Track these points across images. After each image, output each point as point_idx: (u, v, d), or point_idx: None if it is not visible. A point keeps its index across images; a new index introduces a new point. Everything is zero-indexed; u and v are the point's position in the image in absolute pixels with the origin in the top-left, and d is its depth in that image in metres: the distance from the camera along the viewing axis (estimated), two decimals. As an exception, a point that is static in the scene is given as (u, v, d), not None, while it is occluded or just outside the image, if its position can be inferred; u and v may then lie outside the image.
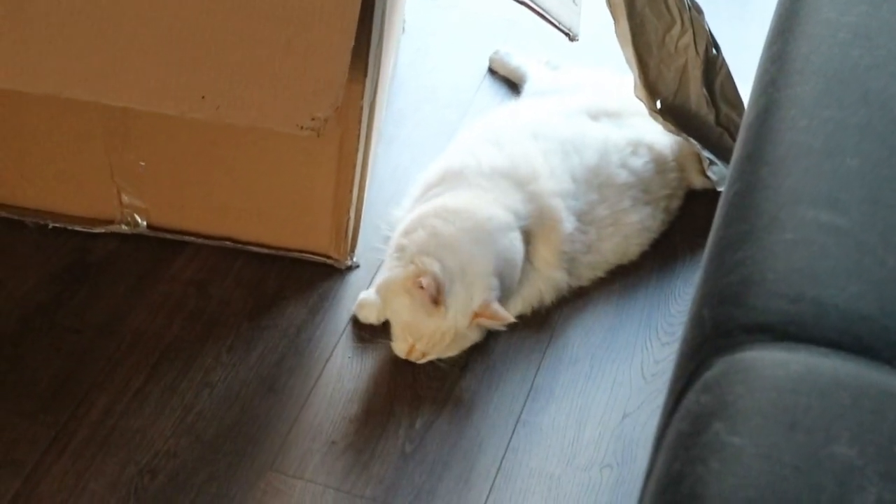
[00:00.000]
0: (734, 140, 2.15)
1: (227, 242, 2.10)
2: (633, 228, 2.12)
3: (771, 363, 1.03)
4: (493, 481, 1.80)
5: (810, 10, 1.47)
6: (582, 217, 2.05)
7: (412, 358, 1.91)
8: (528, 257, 1.99)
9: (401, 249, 1.93)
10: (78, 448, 1.79)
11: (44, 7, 1.79)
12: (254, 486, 1.76)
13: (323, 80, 1.76)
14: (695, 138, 2.15)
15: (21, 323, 1.96)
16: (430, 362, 1.93)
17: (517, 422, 1.88)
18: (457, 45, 2.63)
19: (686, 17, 2.07)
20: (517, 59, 2.52)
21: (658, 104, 2.12)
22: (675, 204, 2.21)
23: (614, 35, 2.08)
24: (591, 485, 1.80)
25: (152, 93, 1.80)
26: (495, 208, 1.96)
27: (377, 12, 1.85)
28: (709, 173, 2.19)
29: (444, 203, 1.99)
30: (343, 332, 2.00)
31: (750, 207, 1.21)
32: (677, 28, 2.07)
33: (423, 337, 1.88)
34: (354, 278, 2.09)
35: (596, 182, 2.08)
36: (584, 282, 2.10)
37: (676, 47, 2.09)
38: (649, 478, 1.07)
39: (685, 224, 2.22)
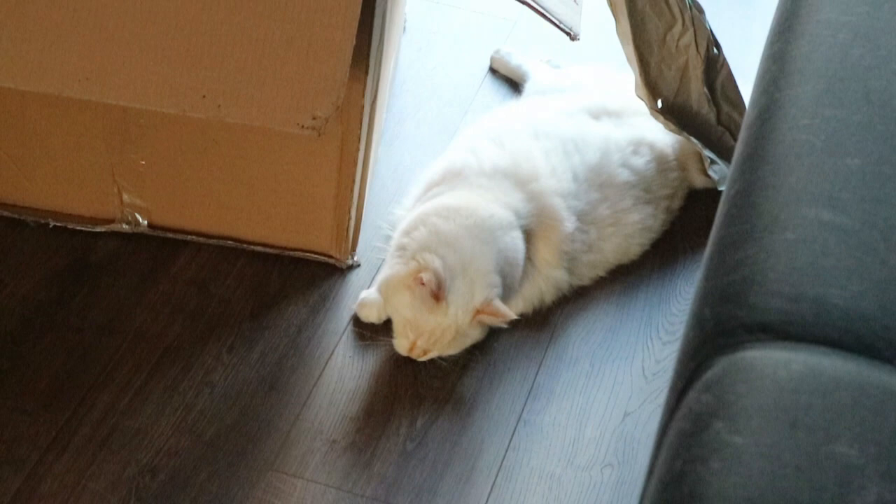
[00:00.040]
0: (735, 139, 2.15)
1: (228, 242, 2.10)
2: (635, 228, 2.12)
3: (772, 362, 1.03)
4: (495, 480, 1.80)
5: (811, 9, 1.47)
6: (583, 216, 2.05)
7: (413, 355, 1.91)
8: (528, 256, 1.99)
9: (402, 248, 1.93)
10: (79, 447, 1.79)
11: (44, 6, 1.79)
12: (255, 486, 1.76)
13: (324, 79, 1.76)
14: (696, 137, 2.15)
15: (22, 322, 1.96)
16: (432, 361, 1.93)
17: (518, 421, 1.88)
18: (458, 45, 2.63)
19: (687, 15, 2.07)
20: (518, 59, 2.52)
21: (659, 103, 2.12)
22: (677, 203, 2.21)
23: (615, 34, 2.08)
24: (592, 484, 1.80)
25: (153, 92, 1.80)
26: (496, 207, 1.97)
27: (378, 11, 1.85)
28: (710, 172, 2.19)
29: (445, 202, 1.99)
30: (344, 331, 2.00)
31: (751, 206, 1.21)
32: (678, 27, 2.07)
33: (425, 333, 1.88)
34: (355, 277, 2.09)
35: (597, 181, 2.08)
36: (585, 281, 2.10)
37: (677, 46, 2.09)
38: (650, 477, 1.07)
39: (686, 223, 2.22)
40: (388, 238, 2.05)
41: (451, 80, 2.53)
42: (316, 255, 2.09)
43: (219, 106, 1.78)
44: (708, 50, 2.11)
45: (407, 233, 1.95)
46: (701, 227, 2.17)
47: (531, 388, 1.94)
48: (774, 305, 1.09)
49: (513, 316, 1.89)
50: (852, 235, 1.14)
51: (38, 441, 1.79)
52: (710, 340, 1.09)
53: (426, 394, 1.91)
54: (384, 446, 1.83)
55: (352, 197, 2.01)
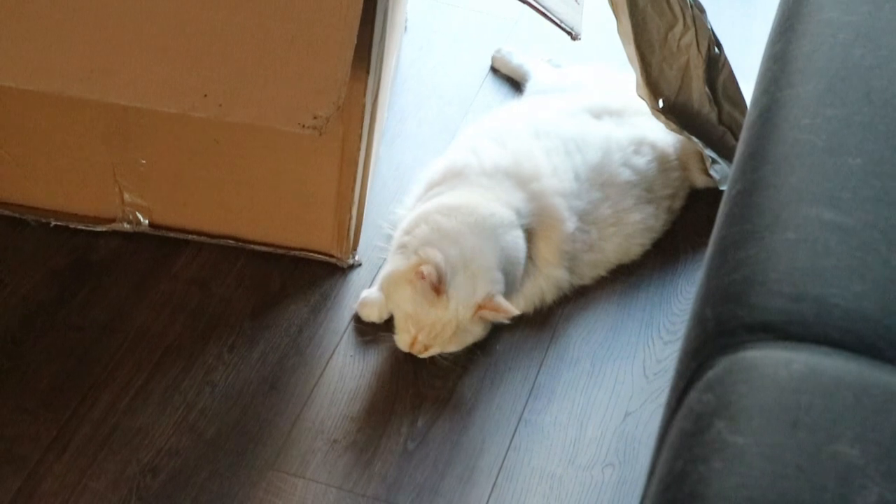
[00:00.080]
0: (736, 139, 2.15)
1: (229, 241, 2.10)
2: (636, 228, 2.11)
3: (773, 362, 1.03)
4: (496, 480, 1.80)
5: (812, 9, 1.47)
6: (584, 216, 2.05)
7: (415, 351, 1.91)
8: (529, 256, 1.99)
9: (403, 246, 1.93)
10: (80, 446, 1.79)
11: (45, 5, 1.79)
12: (255, 485, 1.76)
13: (325, 79, 1.76)
14: (697, 137, 2.15)
15: (23, 321, 1.96)
16: (432, 360, 1.93)
17: (519, 420, 1.88)
18: (459, 44, 2.63)
19: (688, 15, 2.07)
20: (519, 58, 2.52)
21: (660, 103, 2.12)
22: (678, 203, 2.21)
23: (616, 34, 2.08)
24: (593, 484, 1.80)
25: (154, 91, 1.80)
26: (497, 206, 1.97)
27: (379, 10, 1.85)
28: (711, 172, 2.19)
29: (447, 200, 1.99)
30: (345, 330, 2.00)
31: (752, 206, 1.21)
32: (679, 26, 2.07)
33: (425, 328, 1.88)
34: (356, 277, 2.09)
35: (599, 181, 2.08)
36: (586, 280, 2.10)
37: (678, 46, 2.09)
38: (651, 477, 1.07)
39: (687, 223, 2.22)
40: (390, 237, 2.05)
41: (452, 80, 2.53)
42: (317, 255, 2.09)
43: (220, 105, 1.78)
44: (709, 49, 2.11)
45: (408, 231, 1.95)
46: (702, 226, 2.17)
47: (532, 387, 1.94)
48: (776, 305, 1.09)
49: (515, 311, 1.89)
50: (854, 235, 1.14)
51: (39, 440, 1.79)
52: (711, 340, 1.09)
53: (427, 393, 1.91)
54: (385, 446, 1.83)
55: (353, 196, 2.01)
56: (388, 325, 1.97)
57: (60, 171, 2.07)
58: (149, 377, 1.89)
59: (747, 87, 2.05)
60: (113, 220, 2.10)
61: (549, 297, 2.05)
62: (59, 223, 2.11)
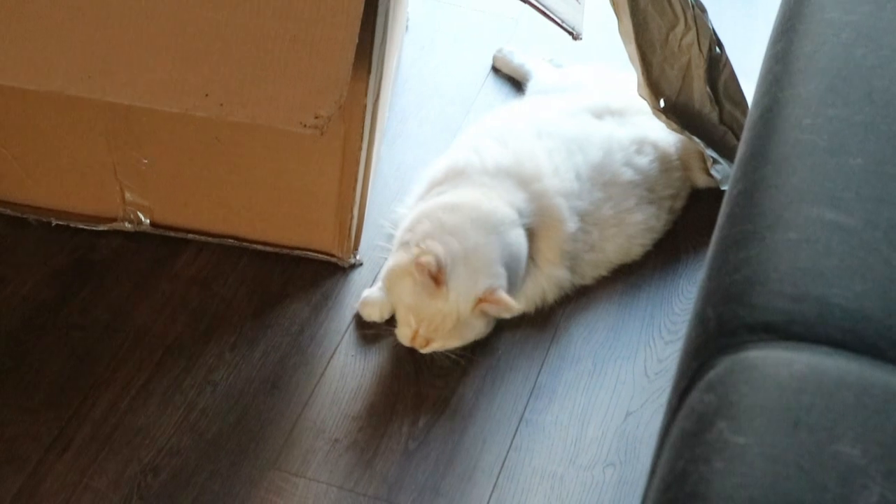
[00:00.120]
0: (738, 139, 2.15)
1: (231, 240, 2.10)
2: (637, 228, 2.11)
3: (775, 362, 1.03)
4: (497, 480, 1.80)
5: (814, 9, 1.47)
6: (586, 216, 2.05)
7: (416, 345, 1.91)
8: (530, 255, 1.99)
9: (405, 243, 1.93)
10: (81, 445, 1.79)
11: (46, 4, 1.79)
12: (257, 485, 1.76)
13: (327, 78, 1.76)
14: (698, 137, 2.15)
15: (25, 320, 1.96)
16: (433, 360, 1.93)
17: (520, 420, 1.88)
18: (460, 44, 2.63)
19: (689, 15, 2.06)
20: (520, 58, 2.52)
21: (661, 103, 2.12)
22: (679, 204, 2.21)
23: (617, 33, 2.08)
24: (594, 483, 1.80)
25: (155, 90, 1.80)
26: (499, 204, 1.97)
27: (381, 10, 1.85)
28: (712, 172, 2.19)
29: (449, 198, 1.99)
30: (346, 330, 2.00)
31: (754, 206, 1.21)
32: (681, 26, 2.07)
33: (425, 320, 1.88)
34: (358, 276, 2.09)
35: (601, 180, 2.08)
36: (588, 280, 2.10)
37: (680, 46, 2.09)
38: (653, 476, 1.07)
39: (688, 222, 2.22)
40: (391, 237, 2.05)
41: (453, 79, 2.53)
42: (318, 254, 2.09)
43: (221, 105, 1.78)
44: (710, 49, 2.11)
45: (410, 228, 1.95)
46: (703, 226, 2.17)
47: (533, 387, 1.94)
48: (777, 305, 1.09)
49: (515, 305, 1.88)
50: (855, 235, 1.14)
51: (40, 439, 1.79)
52: (712, 340, 1.09)
53: (428, 393, 1.91)
54: (386, 445, 1.83)
55: (354, 196, 2.01)
56: (390, 323, 1.97)
57: (62, 170, 2.07)
58: (150, 377, 1.89)
59: (749, 87, 2.06)
60: (114, 220, 2.10)
61: (551, 296, 2.05)
62: (60, 222, 2.11)
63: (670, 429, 1.05)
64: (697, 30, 2.08)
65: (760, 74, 1.47)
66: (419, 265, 1.84)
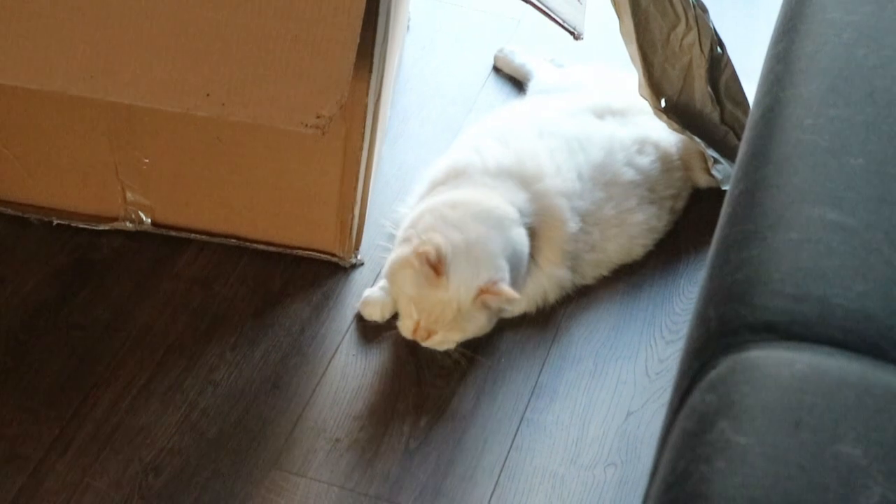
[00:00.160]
0: (739, 139, 2.15)
1: (232, 240, 2.10)
2: (639, 228, 2.11)
3: (776, 362, 1.03)
4: (498, 479, 1.80)
5: (815, 9, 1.47)
6: (587, 216, 2.05)
7: (417, 337, 1.91)
8: (532, 255, 1.99)
9: (407, 239, 1.93)
10: (82, 445, 1.79)
11: (47, 4, 1.79)
12: (258, 484, 1.76)
13: (328, 78, 1.76)
14: (699, 137, 2.15)
15: (26, 320, 1.96)
16: (434, 359, 1.93)
17: (521, 420, 1.88)
18: (462, 43, 2.63)
19: (691, 15, 2.06)
20: (522, 58, 2.51)
21: (662, 103, 2.12)
22: (680, 204, 2.21)
23: (619, 33, 2.08)
24: (596, 483, 1.80)
25: (157, 90, 1.80)
26: (502, 202, 1.97)
27: (382, 9, 1.85)
28: (713, 172, 2.19)
29: (451, 196, 1.99)
30: (347, 329, 2.00)
31: (755, 206, 1.21)
32: (682, 26, 2.07)
33: (426, 310, 1.87)
34: (359, 276, 2.09)
35: (602, 180, 2.08)
36: (589, 280, 2.10)
37: (681, 45, 2.09)
38: (654, 476, 1.07)
39: (689, 222, 2.22)
40: (392, 236, 2.05)
41: (454, 79, 2.53)
42: (319, 254, 2.09)
43: (223, 104, 1.78)
44: (712, 49, 2.11)
45: (412, 224, 1.95)
46: (704, 226, 2.16)
47: (534, 386, 1.94)
48: (778, 305, 1.09)
49: (517, 296, 1.88)
50: (857, 235, 1.14)
51: (41, 439, 1.79)
52: (714, 340, 1.09)
53: (429, 392, 1.91)
54: (387, 445, 1.83)
55: (355, 195, 2.01)
56: (391, 325, 1.97)
57: (63, 169, 2.07)
58: (151, 376, 1.90)
59: (750, 87, 2.06)
60: (115, 219, 2.10)
61: (552, 296, 2.05)
62: (61, 222, 2.11)
63: (671, 429, 1.05)
64: (699, 30, 2.08)
65: (762, 74, 1.46)
66: (419, 254, 1.85)
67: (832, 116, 1.29)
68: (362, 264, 2.11)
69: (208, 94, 1.78)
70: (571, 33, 1.97)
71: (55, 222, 2.11)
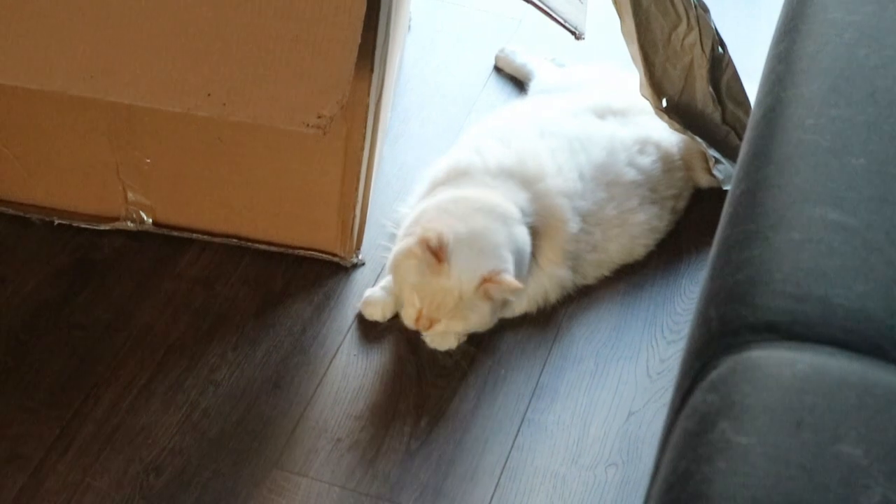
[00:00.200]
0: (740, 138, 2.15)
1: (233, 240, 2.10)
2: (640, 229, 2.11)
3: (777, 362, 1.03)
4: (499, 479, 1.80)
5: (817, 9, 1.47)
6: (589, 217, 2.04)
7: (420, 326, 1.90)
8: (533, 255, 1.99)
9: (410, 234, 1.93)
10: (83, 444, 1.79)
11: (48, 4, 1.79)
12: (259, 484, 1.76)
13: (329, 78, 1.76)
14: (700, 137, 2.15)
15: (27, 319, 1.96)
16: (436, 359, 1.94)
17: (522, 420, 1.88)
18: (463, 43, 2.63)
19: (692, 15, 2.06)
20: (523, 57, 2.51)
21: (664, 102, 2.12)
22: (682, 204, 2.21)
23: (620, 33, 2.08)
24: (597, 483, 1.80)
25: (158, 90, 1.80)
26: (503, 200, 1.97)
27: (383, 9, 1.85)
28: (714, 172, 2.19)
29: (453, 194, 1.99)
30: (348, 329, 2.00)
31: (756, 206, 1.21)
32: (683, 26, 2.07)
33: (428, 297, 1.87)
34: (360, 276, 2.09)
35: (604, 180, 2.08)
36: (590, 280, 2.10)
37: (682, 45, 2.09)
38: (655, 477, 1.07)
39: (691, 222, 2.22)
40: (393, 236, 2.05)
41: (455, 79, 2.53)
42: (320, 254, 2.09)
43: (224, 104, 1.78)
44: (713, 49, 2.11)
45: (416, 220, 1.95)
46: (706, 226, 2.16)
47: (535, 387, 1.94)
48: (780, 305, 1.09)
49: (519, 286, 1.88)
50: (858, 235, 1.14)
51: (42, 438, 1.79)
52: (715, 340, 1.09)
53: (430, 392, 1.91)
54: (388, 445, 1.83)
55: (356, 195, 2.01)
56: (393, 325, 1.97)
57: (64, 169, 2.07)
58: (152, 376, 1.90)
59: (751, 87, 2.06)
60: (116, 219, 2.10)
61: (553, 296, 2.05)
62: (62, 222, 2.11)
63: (673, 429, 1.05)
64: (700, 30, 2.08)
65: (763, 74, 1.46)
66: (421, 240, 1.85)
67: (834, 116, 1.29)
68: (363, 264, 2.11)
69: (209, 94, 1.78)
70: (573, 33, 1.97)
71: (56, 222, 2.11)
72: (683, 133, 2.14)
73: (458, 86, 2.52)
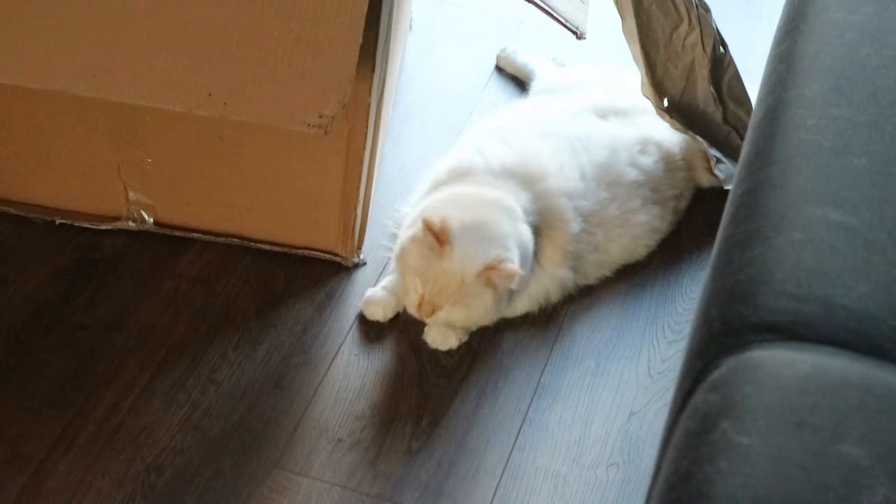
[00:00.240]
0: (742, 138, 2.15)
1: (234, 239, 2.10)
2: (642, 229, 2.11)
3: (779, 362, 1.03)
4: (500, 479, 1.80)
5: (818, 9, 1.47)
6: (590, 217, 2.04)
7: (422, 312, 1.90)
8: (534, 255, 1.99)
9: (415, 225, 1.93)
10: (84, 444, 1.79)
11: (50, 3, 1.79)
12: (260, 484, 1.76)
13: (331, 78, 1.76)
14: (702, 136, 2.15)
15: (28, 319, 1.97)
16: (437, 359, 1.94)
17: (523, 420, 1.88)
18: (464, 43, 2.63)
19: (693, 14, 2.06)
20: (524, 57, 2.51)
21: (665, 102, 2.12)
22: (683, 204, 2.21)
23: (621, 33, 2.08)
24: (598, 483, 1.80)
25: (159, 89, 1.80)
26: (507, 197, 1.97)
27: (385, 9, 1.85)
28: (716, 171, 2.19)
29: (457, 189, 1.99)
30: (349, 329, 2.00)
31: (758, 206, 1.21)
32: (684, 26, 2.07)
33: (430, 281, 1.87)
34: (361, 276, 2.09)
35: (606, 180, 2.08)
36: (591, 280, 2.10)
37: (683, 45, 2.09)
38: (657, 477, 1.07)
39: (692, 222, 2.22)
40: (395, 236, 2.05)
41: (456, 79, 2.53)
42: (322, 254, 2.09)
43: (225, 104, 1.78)
44: (714, 49, 2.11)
45: (421, 215, 1.95)
46: (707, 226, 2.17)
47: (537, 386, 1.94)
48: (782, 305, 1.09)
49: (521, 272, 1.87)
50: (860, 235, 1.14)
51: (43, 438, 1.79)
52: (717, 340, 1.09)
53: (432, 392, 1.91)
54: (390, 445, 1.83)
55: (358, 195, 2.01)
56: (394, 322, 1.97)
57: (65, 169, 2.07)
58: (153, 376, 1.90)
59: (753, 87, 2.05)
60: (118, 219, 2.10)
61: (554, 296, 2.05)
62: (63, 221, 2.11)
63: (674, 429, 1.05)
64: (701, 29, 2.08)
65: (764, 74, 1.46)
66: (423, 222, 1.85)
67: (835, 116, 1.29)
68: (365, 264, 2.11)
69: (210, 94, 1.78)
70: (574, 33, 1.97)
71: (57, 222, 2.11)
72: (685, 133, 2.14)
73: (459, 86, 2.52)
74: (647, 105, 2.13)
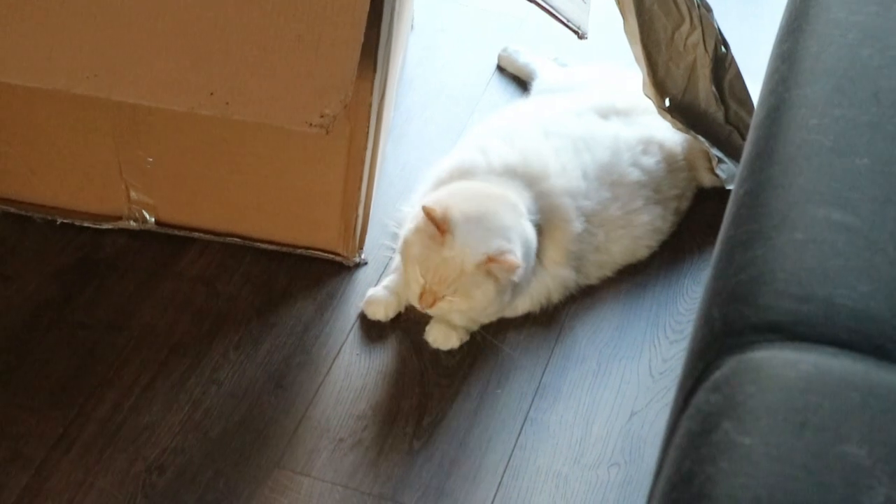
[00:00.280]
0: (743, 138, 2.15)
1: (236, 239, 2.10)
2: (644, 229, 2.11)
3: (781, 363, 1.03)
4: (501, 479, 1.80)
5: (820, 9, 1.47)
6: (593, 217, 2.04)
7: (424, 304, 1.89)
8: (536, 254, 1.98)
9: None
10: (86, 444, 1.79)
11: (51, 3, 1.79)
12: (261, 483, 1.76)
13: (332, 77, 1.76)
14: (704, 136, 2.15)
15: (30, 319, 1.97)
16: (438, 358, 1.94)
17: (525, 420, 1.88)
18: (466, 43, 2.63)
19: (695, 14, 2.06)
20: (526, 57, 2.51)
21: (667, 102, 2.12)
22: (685, 204, 2.21)
23: (623, 33, 2.08)
24: (599, 483, 1.80)
25: (161, 89, 1.80)
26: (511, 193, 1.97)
27: (386, 9, 1.85)
28: (717, 171, 2.19)
29: (461, 184, 1.99)
30: (351, 329, 2.00)
31: (760, 206, 1.21)
32: (686, 26, 2.07)
33: (431, 269, 1.86)
34: (362, 275, 2.09)
35: (608, 180, 2.07)
36: (593, 280, 2.10)
37: (685, 45, 2.09)
38: (658, 477, 1.06)
39: (694, 222, 2.22)
40: (396, 236, 2.05)
41: (458, 79, 2.53)
42: (323, 253, 2.09)
43: (227, 103, 1.78)
44: (716, 49, 2.11)
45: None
46: (709, 226, 2.17)
47: (538, 386, 1.94)
48: (783, 305, 1.09)
49: (521, 263, 1.87)
50: (861, 235, 1.14)
51: (45, 438, 1.79)
52: (718, 340, 1.09)
53: (433, 392, 1.91)
54: (391, 444, 1.83)
55: (359, 195, 2.01)
56: (396, 322, 1.97)
57: (66, 168, 2.07)
58: (154, 375, 1.90)
59: (754, 87, 2.05)
60: (119, 218, 2.10)
61: (556, 296, 2.05)
62: (64, 221, 2.11)
63: (676, 429, 1.05)
64: (703, 29, 2.08)
65: (766, 74, 1.46)
66: (424, 209, 1.85)
67: (837, 116, 1.29)
68: (366, 264, 2.11)
69: (212, 93, 1.78)
70: (576, 32, 1.97)
71: (59, 221, 2.11)
72: (686, 133, 2.14)
73: (460, 85, 2.52)
74: (649, 105, 2.13)
